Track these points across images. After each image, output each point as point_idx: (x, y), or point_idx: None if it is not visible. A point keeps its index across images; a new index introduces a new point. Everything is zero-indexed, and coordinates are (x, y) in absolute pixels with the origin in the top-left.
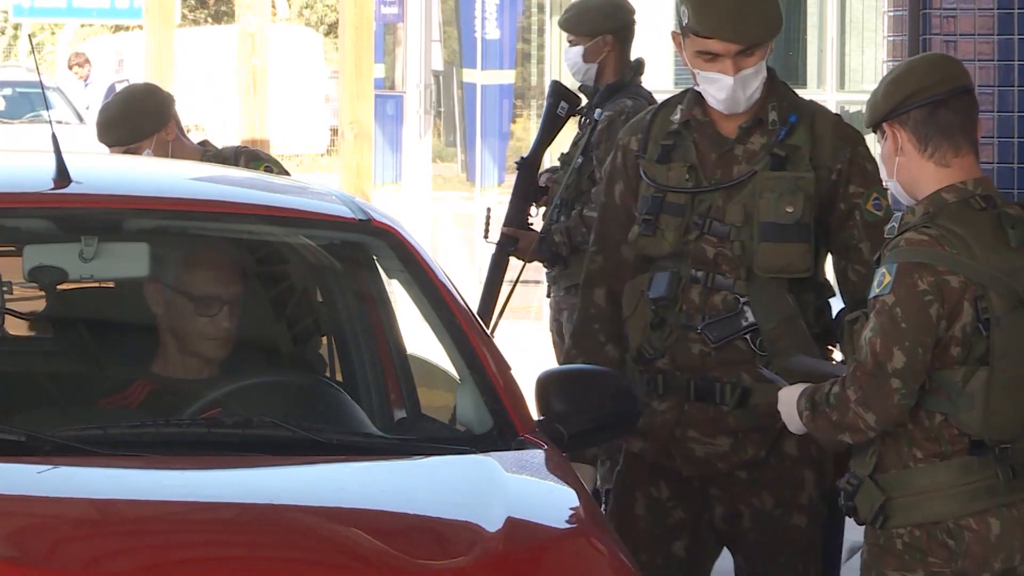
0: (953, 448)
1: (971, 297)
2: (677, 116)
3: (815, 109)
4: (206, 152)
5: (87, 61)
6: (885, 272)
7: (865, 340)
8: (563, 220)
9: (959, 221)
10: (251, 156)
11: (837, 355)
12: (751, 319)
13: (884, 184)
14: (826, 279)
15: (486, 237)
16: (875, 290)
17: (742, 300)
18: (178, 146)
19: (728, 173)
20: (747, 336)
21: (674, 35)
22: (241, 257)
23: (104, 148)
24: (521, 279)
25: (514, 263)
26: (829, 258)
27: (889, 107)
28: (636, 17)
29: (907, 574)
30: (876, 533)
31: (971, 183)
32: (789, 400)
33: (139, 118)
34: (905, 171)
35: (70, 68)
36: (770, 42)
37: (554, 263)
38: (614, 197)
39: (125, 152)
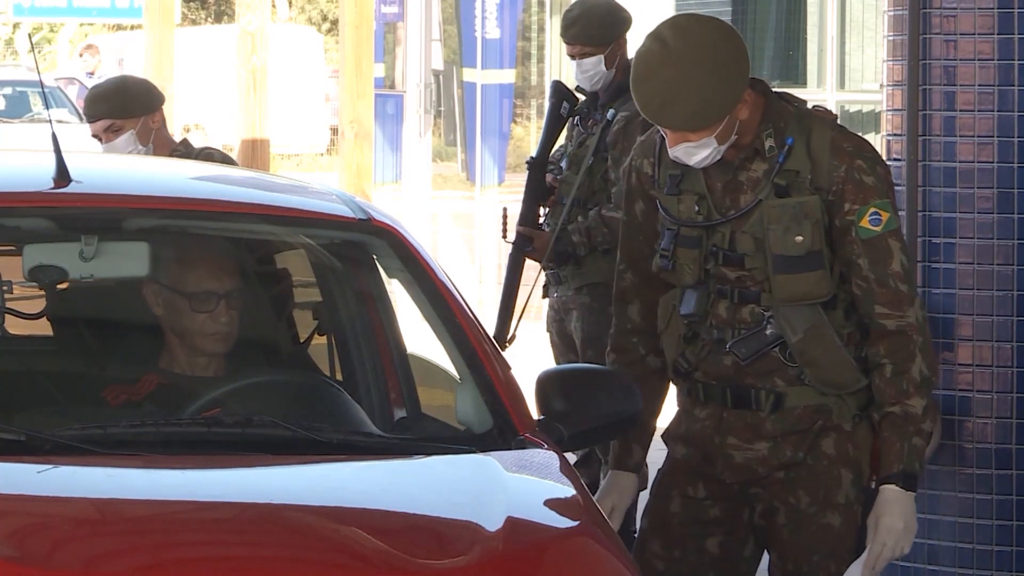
0: None
1: None
2: None
3: (812, 125)
4: (175, 150)
5: (98, 51)
6: None
7: None
8: (580, 220)
9: None
10: (207, 159)
11: None
12: (778, 332)
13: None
14: None
15: (504, 236)
16: None
17: (767, 314)
18: (160, 137)
19: (736, 202)
20: (777, 347)
21: None
22: (236, 252)
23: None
24: (523, 279)
25: (527, 264)
26: None
27: None
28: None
29: None
30: None
31: None
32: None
33: (129, 97)
34: None
35: (80, 56)
36: (711, 126)
37: (563, 263)
38: (636, 215)
39: (107, 130)
